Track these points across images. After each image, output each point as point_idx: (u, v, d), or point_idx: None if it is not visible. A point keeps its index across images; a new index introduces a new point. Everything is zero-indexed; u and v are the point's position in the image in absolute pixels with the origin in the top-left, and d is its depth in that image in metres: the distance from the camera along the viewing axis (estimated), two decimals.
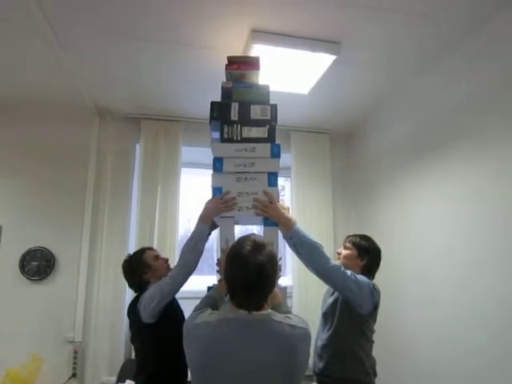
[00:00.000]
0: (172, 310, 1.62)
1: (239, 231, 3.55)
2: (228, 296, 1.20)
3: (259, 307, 1.13)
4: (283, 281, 3.03)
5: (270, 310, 1.16)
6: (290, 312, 1.28)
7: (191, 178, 3.21)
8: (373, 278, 1.70)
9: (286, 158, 3.00)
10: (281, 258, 1.59)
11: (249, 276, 1.09)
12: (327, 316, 1.70)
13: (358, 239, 1.76)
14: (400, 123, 2.62)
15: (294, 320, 1.15)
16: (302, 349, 1.12)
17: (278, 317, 1.14)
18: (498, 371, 1.73)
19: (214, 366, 1.07)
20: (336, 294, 1.67)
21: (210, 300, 1.37)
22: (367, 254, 1.71)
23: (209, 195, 1.58)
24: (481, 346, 1.84)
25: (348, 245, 1.76)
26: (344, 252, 1.75)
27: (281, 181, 3.37)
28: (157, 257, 1.74)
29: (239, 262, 1.11)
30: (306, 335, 1.14)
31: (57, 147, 2.80)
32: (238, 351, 1.06)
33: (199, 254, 1.53)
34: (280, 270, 1.59)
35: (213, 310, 1.26)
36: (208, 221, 1.54)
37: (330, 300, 1.70)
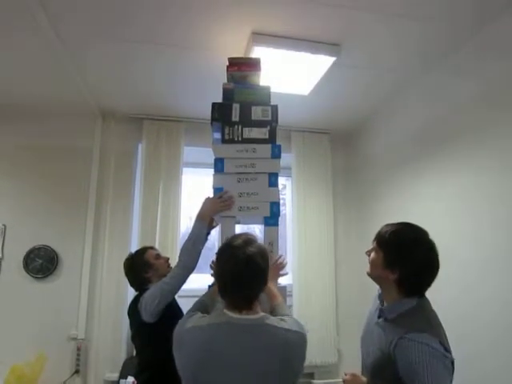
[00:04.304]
0: (171, 310, 1.64)
1: (241, 230, 3.56)
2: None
3: (250, 306, 1.09)
4: (283, 279, 3.04)
5: (262, 313, 1.11)
6: (288, 314, 1.24)
7: (193, 177, 3.23)
8: (421, 296, 1.12)
9: (286, 158, 3.02)
10: (281, 256, 1.61)
11: (238, 268, 1.05)
12: (368, 370, 1.16)
13: (387, 235, 1.13)
14: (400, 123, 2.64)
15: (289, 323, 1.11)
16: (297, 353, 1.08)
17: (272, 320, 1.10)
18: (504, 373, 1.68)
19: (206, 371, 1.03)
20: (383, 348, 1.06)
21: (202, 305, 1.33)
22: (399, 263, 1.08)
23: (210, 195, 1.60)
24: (484, 348, 1.80)
25: (375, 245, 1.18)
26: (371, 256, 1.19)
27: (282, 180, 3.40)
28: (158, 256, 1.77)
29: (228, 254, 1.09)
30: (301, 339, 1.10)
31: (61, 147, 2.84)
32: (229, 356, 1.02)
33: (198, 254, 1.54)
34: (283, 268, 1.59)
35: (203, 314, 1.20)
36: (206, 220, 1.55)
37: (375, 353, 1.11)
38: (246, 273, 1.06)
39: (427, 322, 1.06)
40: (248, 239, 1.13)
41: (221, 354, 1.03)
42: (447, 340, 1.07)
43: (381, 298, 1.21)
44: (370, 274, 1.20)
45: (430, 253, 1.11)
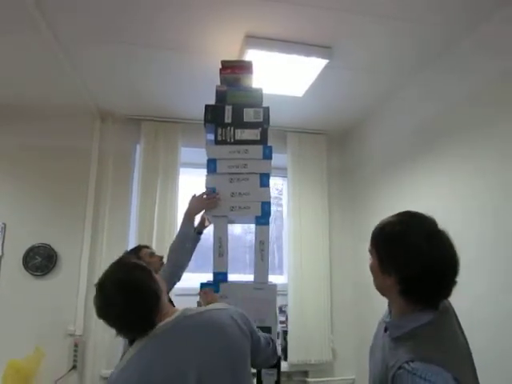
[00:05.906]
0: None
1: (242, 230, 3.58)
2: None
3: (154, 321, 0.99)
4: (276, 278, 3.08)
5: (180, 310, 1.04)
6: None
7: (190, 177, 3.27)
8: (435, 308, 0.85)
9: (282, 159, 3.06)
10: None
11: (104, 306, 0.98)
12: None
13: (375, 230, 0.95)
14: (394, 124, 2.66)
15: (209, 306, 1.10)
16: (228, 325, 1.03)
17: (191, 310, 1.05)
18: (495, 375, 1.65)
19: None
20: (383, 371, 0.84)
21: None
22: (391, 262, 0.86)
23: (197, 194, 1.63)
24: (477, 349, 1.81)
25: (369, 246, 0.96)
26: (369, 261, 0.96)
27: (279, 180, 3.44)
28: (152, 254, 1.81)
29: (97, 300, 1.00)
30: (224, 312, 1.06)
31: (59, 147, 2.88)
32: (169, 369, 0.94)
33: (186, 252, 1.57)
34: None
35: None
36: (192, 218, 1.58)
37: (378, 373, 0.89)
38: (116, 312, 0.97)
39: (439, 347, 0.77)
40: (111, 272, 1.03)
41: (160, 373, 0.93)
42: (474, 371, 0.83)
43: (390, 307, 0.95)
44: (375, 287, 0.93)
45: (429, 244, 0.81)
